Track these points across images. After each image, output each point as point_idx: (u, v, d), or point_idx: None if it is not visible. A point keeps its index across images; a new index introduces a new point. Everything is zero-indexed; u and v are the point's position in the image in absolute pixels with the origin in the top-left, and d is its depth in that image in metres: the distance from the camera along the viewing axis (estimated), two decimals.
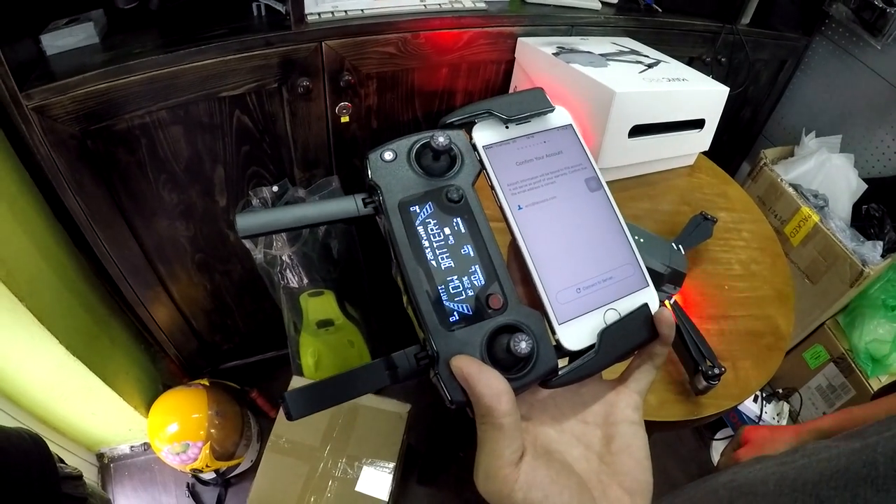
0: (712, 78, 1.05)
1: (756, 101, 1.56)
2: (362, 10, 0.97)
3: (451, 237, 0.32)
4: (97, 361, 1.10)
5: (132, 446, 1.37)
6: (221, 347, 1.42)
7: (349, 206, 0.32)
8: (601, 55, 1.01)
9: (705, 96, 1.00)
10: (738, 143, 1.69)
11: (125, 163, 0.93)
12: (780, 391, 1.47)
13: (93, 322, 1.12)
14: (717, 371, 0.71)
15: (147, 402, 1.29)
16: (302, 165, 1.12)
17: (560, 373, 0.31)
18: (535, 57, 1.03)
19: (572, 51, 1.01)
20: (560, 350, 0.31)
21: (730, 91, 1.01)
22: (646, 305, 0.33)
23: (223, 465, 1.28)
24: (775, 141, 1.67)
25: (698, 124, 1.03)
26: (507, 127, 0.34)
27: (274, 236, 1.09)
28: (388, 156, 0.33)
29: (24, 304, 0.90)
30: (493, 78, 1.13)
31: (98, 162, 0.91)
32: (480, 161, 0.34)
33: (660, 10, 1.24)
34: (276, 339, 1.41)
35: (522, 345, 0.29)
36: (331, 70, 0.98)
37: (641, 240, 0.81)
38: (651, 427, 0.74)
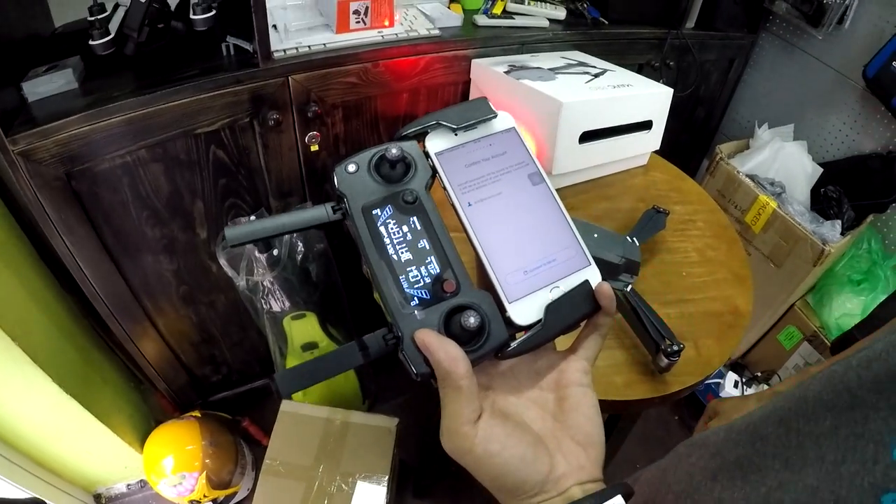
0: (662, 81, 1.16)
1: (709, 99, 1.70)
2: (324, 45, 1.08)
3: (408, 234, 0.37)
4: (90, 399, 1.17)
5: (128, 484, 1.43)
6: (210, 379, 1.50)
7: (320, 213, 0.38)
8: (550, 69, 1.12)
9: (650, 99, 1.12)
10: (696, 142, 1.82)
11: (109, 202, 1.02)
12: (759, 374, 1.58)
13: (83, 361, 1.20)
14: (676, 348, 0.78)
15: (141, 439, 1.35)
16: (277, 195, 1.22)
17: (512, 345, 0.36)
18: (489, 76, 1.15)
19: (523, 68, 1.13)
20: (512, 325, 0.36)
21: (680, 92, 1.12)
22: (586, 281, 0.38)
23: (220, 495, 1.35)
24: (732, 136, 1.80)
25: (647, 126, 1.14)
26: (455, 134, 0.40)
27: (255, 263, 1.18)
28: (352, 168, 0.39)
29: (17, 343, 0.97)
30: (451, 99, 1.25)
31: (83, 202, 0.99)
32: (433, 166, 0.39)
33: (606, 21, 1.37)
34: (264, 368, 1.49)
35: (471, 320, 0.34)
36: (298, 102, 1.08)
37: (596, 235, 0.91)
38: (621, 407, 0.82)
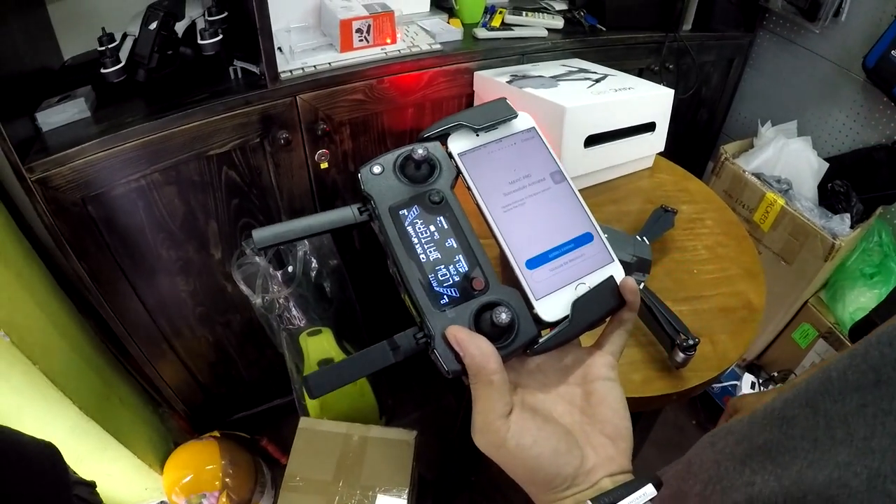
0: (663, 85, 1.18)
1: (711, 101, 1.71)
2: (329, 64, 1.11)
3: (436, 233, 0.38)
4: (109, 421, 1.18)
5: None
6: (228, 399, 1.51)
7: (347, 214, 0.40)
8: (551, 77, 1.15)
9: (652, 101, 1.14)
10: (700, 144, 1.83)
11: (125, 225, 1.05)
12: (776, 374, 1.57)
13: (102, 383, 1.21)
14: (691, 342, 0.79)
15: (160, 460, 1.36)
16: (289, 213, 1.24)
17: (540, 341, 0.37)
18: (492, 87, 1.17)
19: (525, 77, 1.15)
20: (539, 322, 0.37)
21: (682, 94, 1.14)
22: (611, 277, 0.39)
23: None
24: (736, 136, 1.80)
25: (650, 128, 1.16)
26: (477, 135, 0.41)
27: (269, 280, 1.20)
28: (377, 169, 0.40)
29: (38, 366, 0.98)
30: (455, 112, 1.26)
31: (98, 226, 1.01)
32: (457, 167, 0.40)
33: (604, 28, 1.39)
34: (281, 387, 1.50)
35: (503, 316, 0.35)
36: (307, 121, 1.11)
37: (606, 235, 0.92)
38: (640, 403, 0.83)
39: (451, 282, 0.37)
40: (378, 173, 0.40)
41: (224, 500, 1.29)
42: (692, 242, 1.07)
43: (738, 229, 1.11)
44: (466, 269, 0.38)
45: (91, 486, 0.91)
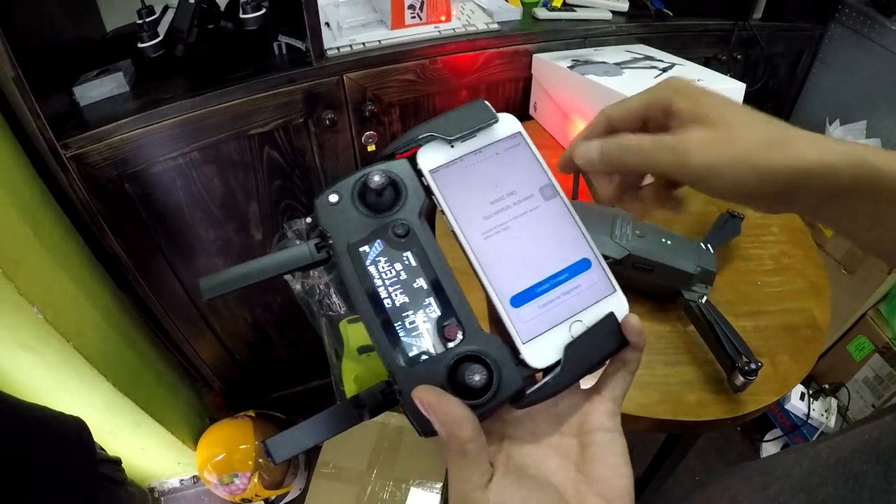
0: (730, 76, 1.04)
1: (777, 95, 1.54)
2: (379, 42, 1.00)
3: (402, 272, 0.31)
4: (144, 398, 1.13)
5: (181, 479, 1.39)
6: (265, 379, 1.45)
7: (302, 253, 0.32)
8: (616, 64, 1.01)
9: (723, 95, 1.00)
10: None
11: (162, 203, 0.97)
12: (827, 387, 1.43)
13: (138, 360, 1.15)
14: (753, 366, 0.69)
15: (195, 436, 1.31)
16: None
17: (527, 392, 0.30)
18: (551, 71, 1.04)
19: (587, 62, 1.02)
20: (528, 368, 0.31)
21: (749, 87, 0.99)
22: (611, 314, 0.32)
23: (272, 494, 1.30)
24: None
25: None
26: (452, 146, 0.33)
27: None
28: (333, 198, 0.32)
29: (72, 344, 0.93)
30: (512, 96, 1.14)
31: (136, 204, 0.94)
32: (427, 187, 0.33)
33: (670, 13, 1.24)
34: (319, 368, 1.42)
35: (476, 377, 0.29)
36: (354, 101, 1.00)
37: (669, 242, 0.80)
38: (693, 427, 0.73)
39: (421, 330, 0.30)
40: (335, 203, 0.32)
41: (255, 480, 1.23)
42: (757, 251, 0.94)
43: (806, 238, 0.97)
44: (438, 314, 0.31)
45: (117, 462, 0.87)
